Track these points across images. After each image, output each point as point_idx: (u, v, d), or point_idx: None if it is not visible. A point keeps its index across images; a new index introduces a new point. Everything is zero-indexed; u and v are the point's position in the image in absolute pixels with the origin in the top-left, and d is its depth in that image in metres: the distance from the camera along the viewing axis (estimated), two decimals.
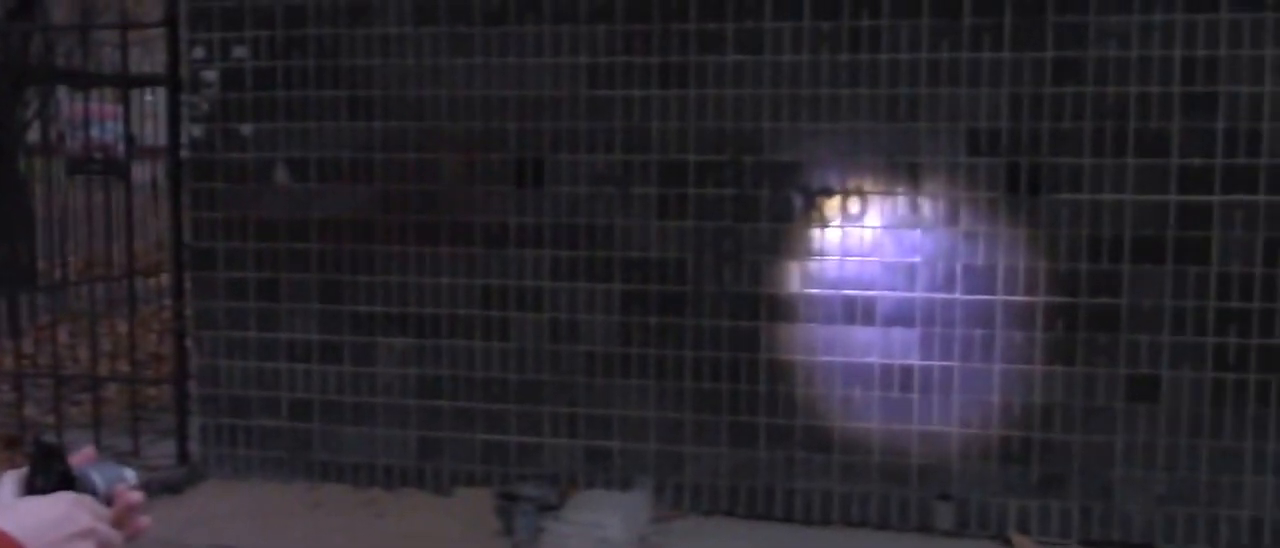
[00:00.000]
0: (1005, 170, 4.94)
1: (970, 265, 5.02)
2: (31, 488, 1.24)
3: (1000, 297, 5.00)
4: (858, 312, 5.13)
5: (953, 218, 5.01)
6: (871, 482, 5.20)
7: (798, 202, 5.14)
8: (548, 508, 5.29)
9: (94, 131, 6.58)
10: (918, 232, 5.05)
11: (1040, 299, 4.97)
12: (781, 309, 5.20)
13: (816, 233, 5.14)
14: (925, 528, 5.16)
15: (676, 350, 5.30)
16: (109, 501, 1.28)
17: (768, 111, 5.13)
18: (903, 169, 5.04)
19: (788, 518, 5.28)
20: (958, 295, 5.04)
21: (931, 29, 4.95)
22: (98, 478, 1.29)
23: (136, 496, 1.31)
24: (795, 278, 5.18)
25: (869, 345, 5.14)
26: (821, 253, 5.14)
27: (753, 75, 5.13)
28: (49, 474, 1.25)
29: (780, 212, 5.16)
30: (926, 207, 5.03)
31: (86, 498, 1.25)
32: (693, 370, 5.30)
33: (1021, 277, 4.98)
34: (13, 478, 1.26)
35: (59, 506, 1.21)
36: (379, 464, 5.69)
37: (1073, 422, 5.00)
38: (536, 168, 5.37)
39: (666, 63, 5.20)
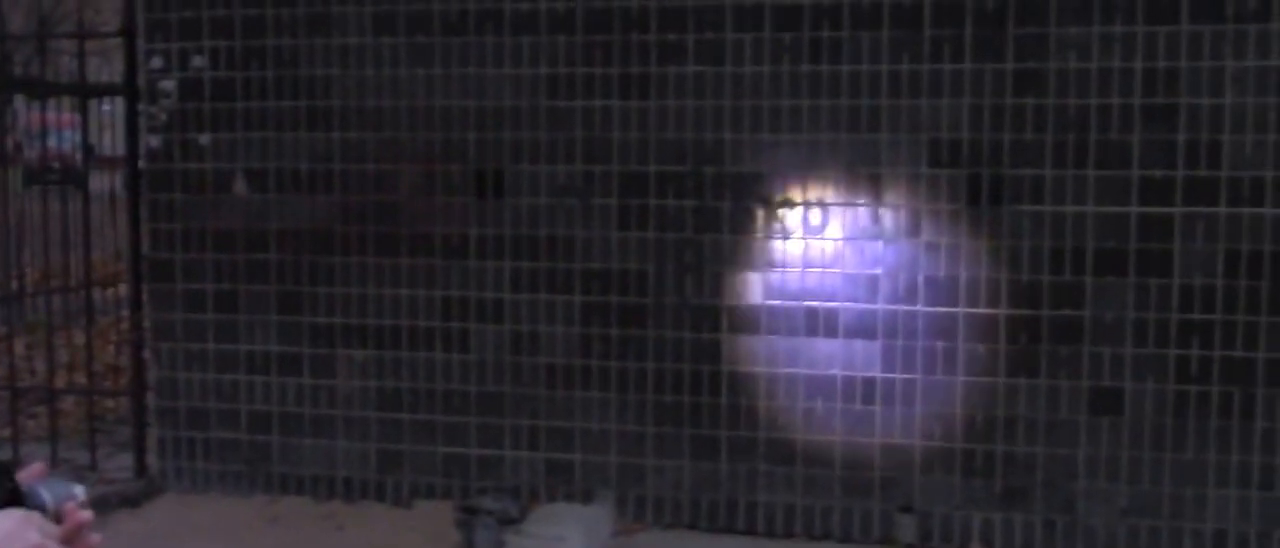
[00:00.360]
0: (966, 182, 4.92)
1: (932, 277, 4.99)
2: None
3: (962, 309, 4.98)
4: (820, 324, 5.11)
5: (914, 229, 4.99)
6: (834, 495, 5.17)
7: (759, 213, 5.12)
8: (509, 521, 5.25)
9: (51, 141, 6.51)
10: (879, 243, 5.03)
11: (1002, 311, 4.95)
12: (743, 321, 5.17)
13: (778, 244, 5.12)
14: (888, 541, 5.14)
15: (638, 363, 5.27)
16: (59, 518, 1.26)
17: (729, 122, 5.10)
18: (864, 180, 5.01)
19: (750, 531, 5.25)
20: (919, 307, 5.02)
21: (892, 40, 4.93)
22: (47, 495, 1.27)
23: (86, 513, 1.29)
24: (757, 290, 5.15)
25: (831, 358, 5.11)
26: (783, 264, 5.12)
27: (713, 86, 5.10)
28: None
29: (741, 223, 5.13)
30: (888, 218, 5.01)
31: (35, 515, 1.23)
32: (654, 383, 5.26)
33: (983, 288, 4.96)
34: None
35: (5, 522, 1.19)
36: (339, 477, 5.65)
37: (1036, 434, 4.99)
38: (497, 179, 5.34)
39: (627, 73, 5.17)
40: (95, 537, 1.30)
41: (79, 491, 1.31)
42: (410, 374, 5.50)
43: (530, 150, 5.29)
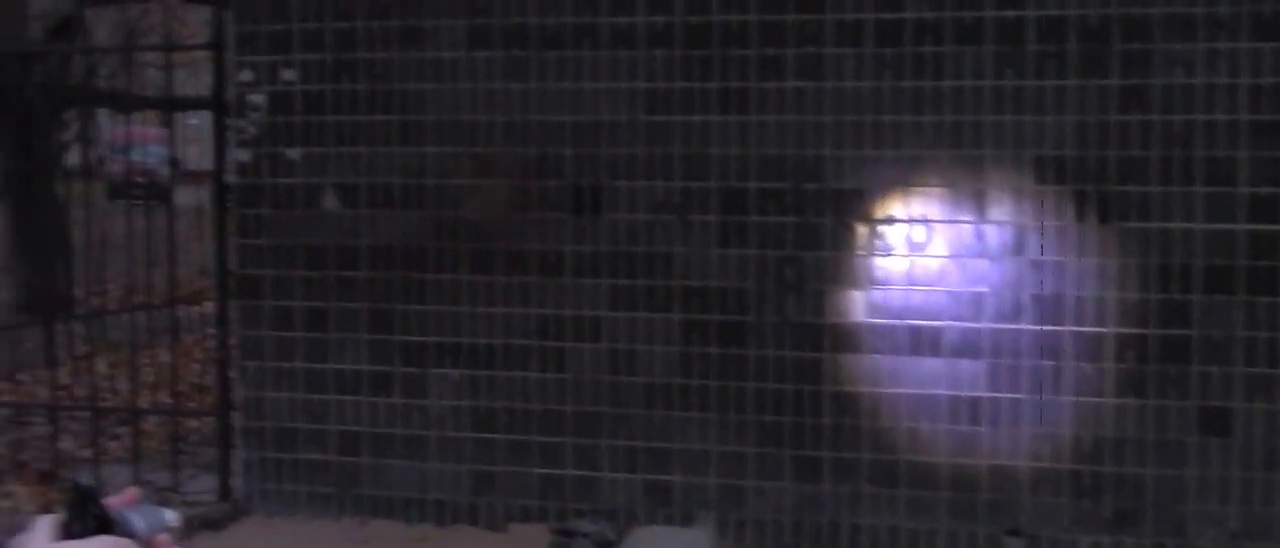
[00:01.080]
0: (1072, 198, 5.86)
1: (1038, 295, 5.93)
2: (68, 533, 1.37)
3: (1069, 327, 5.91)
4: (924, 343, 6.06)
5: (1020, 247, 5.93)
6: (939, 517, 6.12)
7: (861, 230, 6.08)
8: (605, 544, 6.24)
9: (136, 155, 7.60)
10: (984, 261, 5.97)
11: (1110, 330, 5.88)
12: (845, 340, 6.13)
13: (880, 262, 6.07)
14: None
15: (738, 382, 6.24)
16: (148, 545, 1.41)
17: (830, 138, 6.07)
18: (968, 197, 5.96)
19: None
20: (1026, 326, 5.95)
21: (995, 56, 5.87)
22: (139, 522, 1.40)
23: (177, 540, 1.46)
24: (859, 308, 6.11)
25: (936, 377, 6.06)
26: (886, 282, 6.08)
27: (814, 102, 6.07)
28: (85, 518, 1.38)
29: (843, 240, 6.10)
30: (993, 235, 5.95)
31: (125, 543, 1.37)
32: (755, 402, 6.24)
33: (1090, 307, 5.89)
34: (48, 523, 1.39)
35: None
36: (430, 500, 6.66)
37: (1144, 456, 5.91)
38: (594, 195, 6.33)
39: (727, 88, 6.16)
40: None
41: (172, 518, 1.45)
42: (505, 394, 6.51)
43: (628, 166, 6.28)
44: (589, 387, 6.43)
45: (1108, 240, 5.87)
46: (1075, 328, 5.92)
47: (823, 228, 6.13)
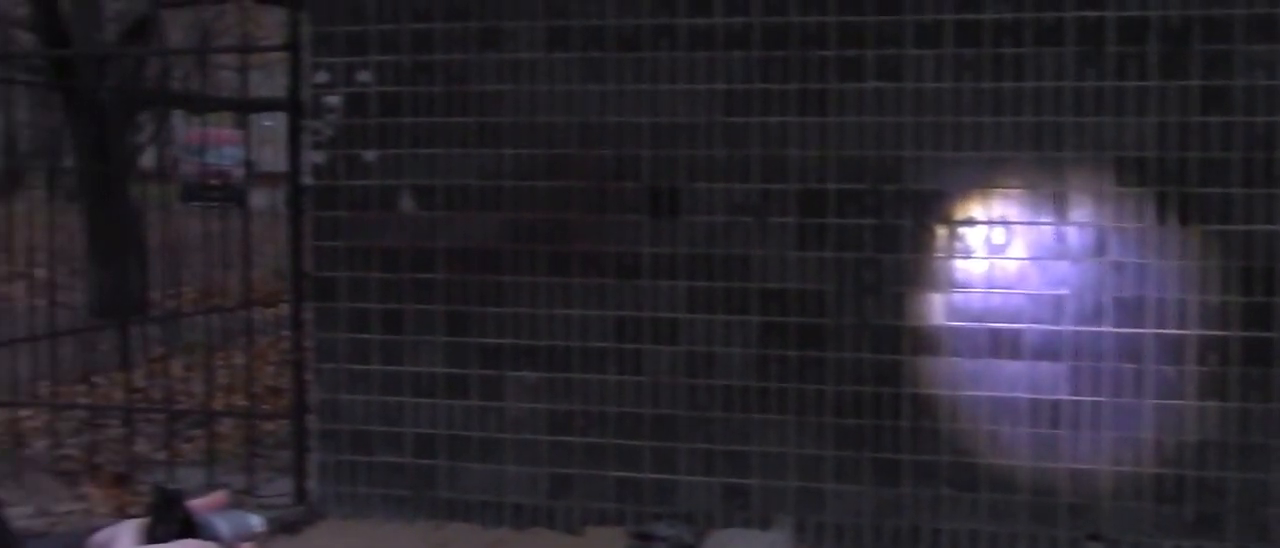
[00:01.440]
0: (1154, 200, 6.39)
1: (1120, 298, 6.46)
2: (152, 537, 1.46)
3: (1150, 330, 6.44)
4: (1004, 345, 6.60)
5: (1100, 249, 6.46)
6: (1019, 521, 6.66)
7: (940, 232, 6.63)
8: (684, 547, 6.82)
9: (210, 157, 8.25)
10: (1065, 263, 6.51)
11: (1192, 332, 6.41)
12: (925, 342, 6.69)
13: (960, 264, 6.63)
14: None
15: (817, 385, 6.81)
16: None
17: (909, 139, 6.62)
18: (1048, 199, 6.50)
19: None
20: (1107, 328, 6.49)
21: (1075, 57, 6.41)
22: (223, 526, 1.48)
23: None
24: (938, 310, 6.66)
25: (1015, 380, 6.60)
26: (965, 284, 6.62)
27: (893, 102, 6.62)
28: (169, 522, 1.46)
29: (922, 242, 6.65)
30: (1073, 237, 6.49)
31: (210, 546, 1.46)
32: (834, 405, 6.80)
33: (1172, 309, 6.41)
34: (132, 528, 1.47)
35: None
36: (507, 503, 7.26)
37: (1227, 459, 6.43)
38: (672, 197, 6.92)
39: (805, 89, 6.73)
40: None
41: (258, 523, 1.52)
42: (582, 397, 7.11)
43: (706, 168, 6.86)
44: (666, 389, 7.01)
45: (1189, 242, 6.39)
46: (1157, 330, 6.45)
47: (902, 230, 6.68)
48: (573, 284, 7.10)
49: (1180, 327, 6.44)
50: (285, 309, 8.14)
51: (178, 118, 8.87)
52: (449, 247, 7.24)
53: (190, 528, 1.47)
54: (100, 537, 1.50)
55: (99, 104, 8.97)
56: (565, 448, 7.19)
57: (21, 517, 7.40)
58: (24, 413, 9.16)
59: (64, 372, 8.80)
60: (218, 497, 1.54)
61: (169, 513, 1.47)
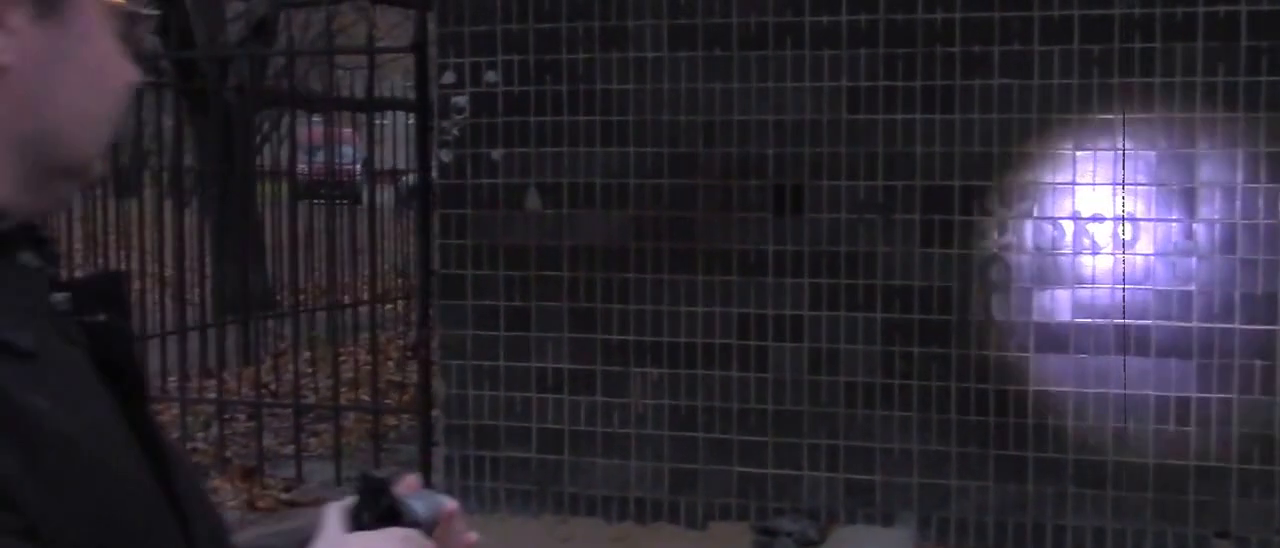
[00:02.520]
0: None
1: (1249, 294, 6.30)
2: (358, 523, 1.49)
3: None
4: (1130, 342, 6.45)
5: (1229, 245, 6.30)
6: (1145, 519, 6.50)
7: (1066, 228, 6.49)
8: (808, 543, 6.73)
9: (326, 156, 8.27)
10: (1193, 259, 6.35)
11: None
12: (1050, 339, 6.55)
13: (1086, 261, 6.48)
14: None
15: (941, 382, 6.69)
16: (431, 530, 1.50)
17: (1036, 136, 6.49)
18: (1177, 195, 6.35)
19: None
20: (1236, 325, 6.32)
21: (1206, 52, 6.26)
22: (421, 508, 1.51)
23: (460, 522, 1.56)
24: (1064, 307, 6.52)
25: (1143, 377, 6.45)
26: (1092, 281, 6.48)
27: (1020, 99, 6.50)
28: (376, 508, 1.49)
29: (1048, 239, 6.51)
30: (1201, 233, 6.33)
31: (413, 532, 1.47)
32: (958, 402, 6.67)
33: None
34: (338, 512, 1.50)
35: (391, 541, 1.45)
36: (631, 498, 7.20)
37: None
38: (796, 194, 6.83)
39: (930, 86, 6.61)
40: (472, 535, 1.58)
41: (449, 501, 1.55)
42: (705, 393, 7.03)
43: (830, 165, 6.76)
44: (790, 386, 6.92)
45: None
46: None
47: (1027, 227, 6.55)
48: (697, 281, 7.01)
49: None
50: (402, 306, 8.14)
51: (295, 118, 8.88)
52: (574, 244, 7.18)
53: (394, 515, 1.48)
54: (327, 511, 1.52)
55: (222, 104, 9.02)
56: (689, 444, 7.10)
57: None
58: (154, 408, 9.17)
59: (191, 367, 8.84)
60: (413, 480, 1.56)
61: (375, 499, 1.49)
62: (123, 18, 1.26)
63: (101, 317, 1.25)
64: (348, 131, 8.75)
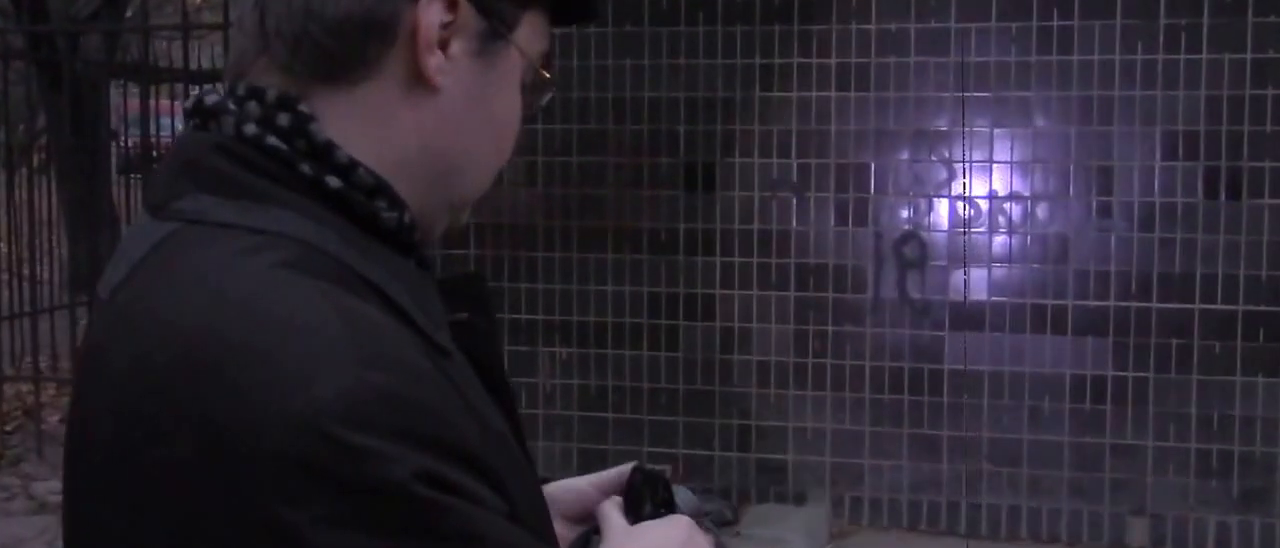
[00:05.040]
0: (1202, 175, 5.92)
1: (1166, 273, 5.99)
2: (639, 515, 1.45)
3: (1197, 305, 5.98)
4: (1047, 320, 6.13)
5: (1147, 224, 5.99)
6: (1062, 498, 6.20)
7: (982, 206, 6.15)
8: (724, 523, 6.33)
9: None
10: (1110, 237, 6.03)
11: (1239, 308, 5.94)
12: (965, 318, 6.21)
13: (1002, 239, 6.14)
14: (1119, 546, 6.17)
15: (855, 360, 6.32)
16: (697, 525, 1.47)
17: (952, 113, 6.13)
18: (1094, 173, 6.03)
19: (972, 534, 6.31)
20: (1153, 304, 6.02)
21: (1125, 30, 5.92)
22: (686, 502, 1.49)
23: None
24: (980, 285, 6.18)
25: (1059, 355, 6.13)
26: (1007, 260, 6.14)
27: (937, 77, 6.13)
28: (655, 500, 1.47)
29: (963, 217, 6.17)
30: (1118, 211, 6.01)
31: (692, 523, 1.44)
32: (872, 381, 6.32)
33: (1220, 284, 5.95)
34: (616, 505, 1.47)
35: (683, 528, 1.41)
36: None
37: (1273, 435, 5.98)
38: (707, 172, 6.41)
39: (846, 63, 6.21)
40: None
41: (694, 496, 1.52)
42: (615, 373, 6.59)
43: (743, 142, 6.35)
44: (702, 365, 6.52)
45: (1239, 218, 5.93)
46: (1204, 306, 5.98)
47: (940, 205, 6.21)
48: (607, 260, 6.60)
49: (1228, 302, 5.95)
50: None
51: (118, 90, 8.35)
52: (480, 222, 6.70)
53: (671, 505, 1.46)
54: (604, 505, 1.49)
55: (75, 78, 8.36)
56: (598, 424, 6.70)
57: (51, 493, 7.02)
58: (25, 388, 8.74)
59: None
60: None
61: (655, 492, 1.47)
62: (533, 77, 1.26)
63: (464, 316, 1.24)
64: (174, 105, 8.18)
